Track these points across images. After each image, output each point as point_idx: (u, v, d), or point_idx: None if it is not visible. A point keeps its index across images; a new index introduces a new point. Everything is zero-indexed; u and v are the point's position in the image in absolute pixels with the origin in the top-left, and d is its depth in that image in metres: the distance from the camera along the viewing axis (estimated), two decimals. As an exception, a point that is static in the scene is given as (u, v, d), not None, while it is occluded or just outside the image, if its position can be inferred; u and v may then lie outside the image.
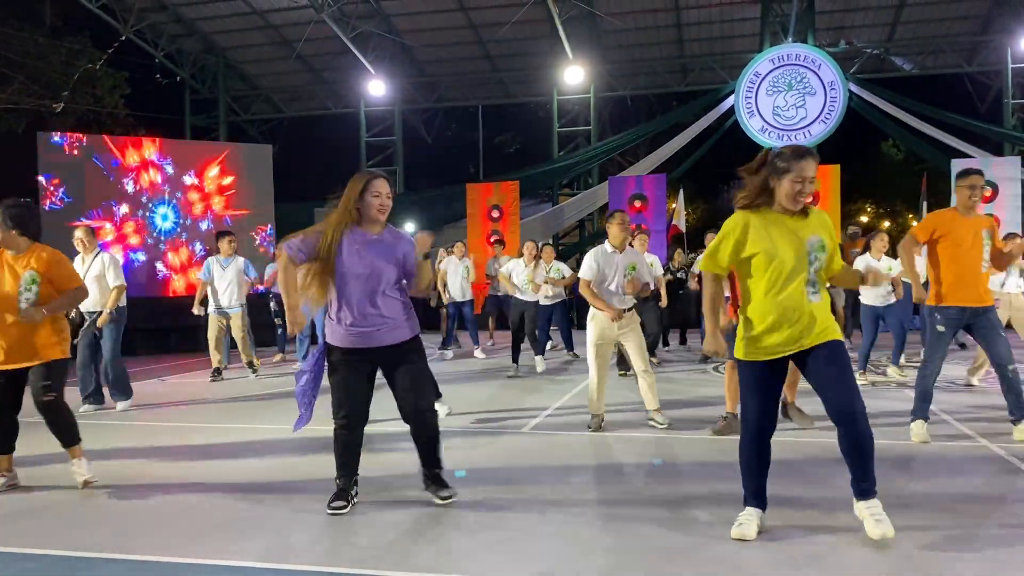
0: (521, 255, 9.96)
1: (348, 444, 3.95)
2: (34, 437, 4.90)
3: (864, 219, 29.30)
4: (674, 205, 17.84)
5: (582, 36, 18.88)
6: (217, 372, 9.17)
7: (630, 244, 6.07)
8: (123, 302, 7.15)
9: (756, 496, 3.45)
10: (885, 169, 28.52)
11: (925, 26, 19.14)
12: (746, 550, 3.27)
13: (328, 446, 4.06)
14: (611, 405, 6.29)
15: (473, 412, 6.65)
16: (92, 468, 4.45)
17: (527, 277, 9.45)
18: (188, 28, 20.40)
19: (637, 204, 17.04)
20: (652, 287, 6.23)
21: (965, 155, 16.96)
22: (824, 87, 17.58)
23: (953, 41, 19.56)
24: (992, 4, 18.34)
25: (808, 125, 17.71)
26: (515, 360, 9.10)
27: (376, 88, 19.95)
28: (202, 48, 21.49)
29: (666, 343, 11.68)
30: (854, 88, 17.90)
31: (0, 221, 4.33)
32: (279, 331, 11.54)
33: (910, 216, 26.92)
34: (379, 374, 4.03)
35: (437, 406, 5.17)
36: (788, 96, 17.73)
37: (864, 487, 3.33)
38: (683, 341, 12.34)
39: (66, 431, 4.39)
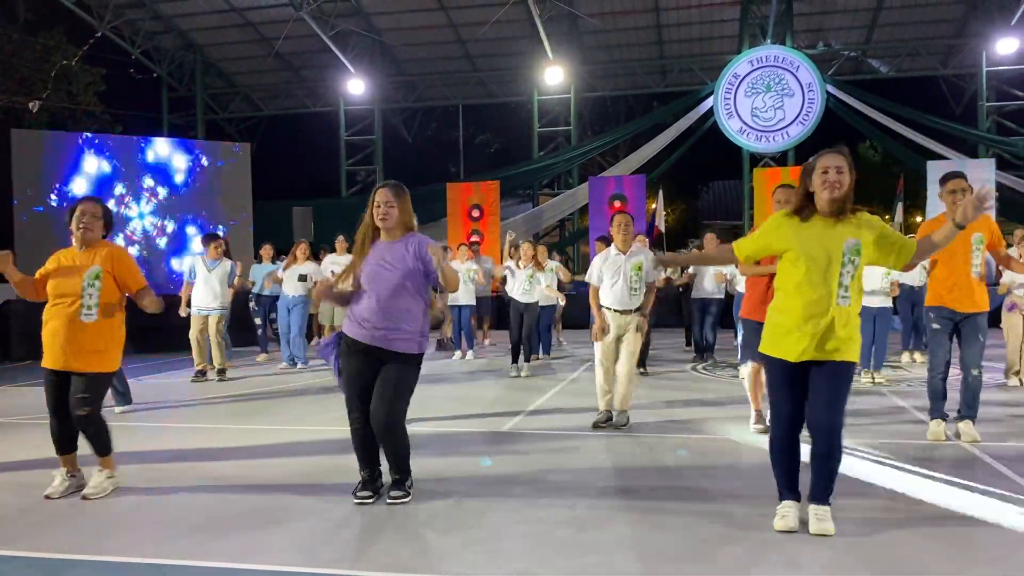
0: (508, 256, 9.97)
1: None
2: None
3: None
4: (654, 206, 17.92)
5: (562, 36, 18.92)
6: (201, 373, 8.97)
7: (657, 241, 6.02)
8: None
9: (791, 488, 3.55)
10: (863, 170, 28.91)
11: (902, 29, 19.37)
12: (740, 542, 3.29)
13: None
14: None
15: (448, 415, 6.64)
16: (112, 483, 4.28)
17: (526, 277, 9.27)
18: (165, 25, 20.22)
19: (617, 204, 17.13)
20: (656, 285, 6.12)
21: (941, 157, 17.17)
22: (802, 89, 17.73)
23: (929, 44, 19.80)
24: (967, 8, 18.59)
25: (786, 127, 17.86)
26: (515, 361, 9.10)
27: (356, 87, 19.88)
28: (179, 45, 21.30)
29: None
30: (832, 90, 18.06)
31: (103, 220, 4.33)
32: (259, 331, 11.44)
33: (886, 217, 27.22)
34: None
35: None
36: (766, 97, 17.86)
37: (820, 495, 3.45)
38: (689, 343, 11.54)
39: (100, 442, 4.27)
